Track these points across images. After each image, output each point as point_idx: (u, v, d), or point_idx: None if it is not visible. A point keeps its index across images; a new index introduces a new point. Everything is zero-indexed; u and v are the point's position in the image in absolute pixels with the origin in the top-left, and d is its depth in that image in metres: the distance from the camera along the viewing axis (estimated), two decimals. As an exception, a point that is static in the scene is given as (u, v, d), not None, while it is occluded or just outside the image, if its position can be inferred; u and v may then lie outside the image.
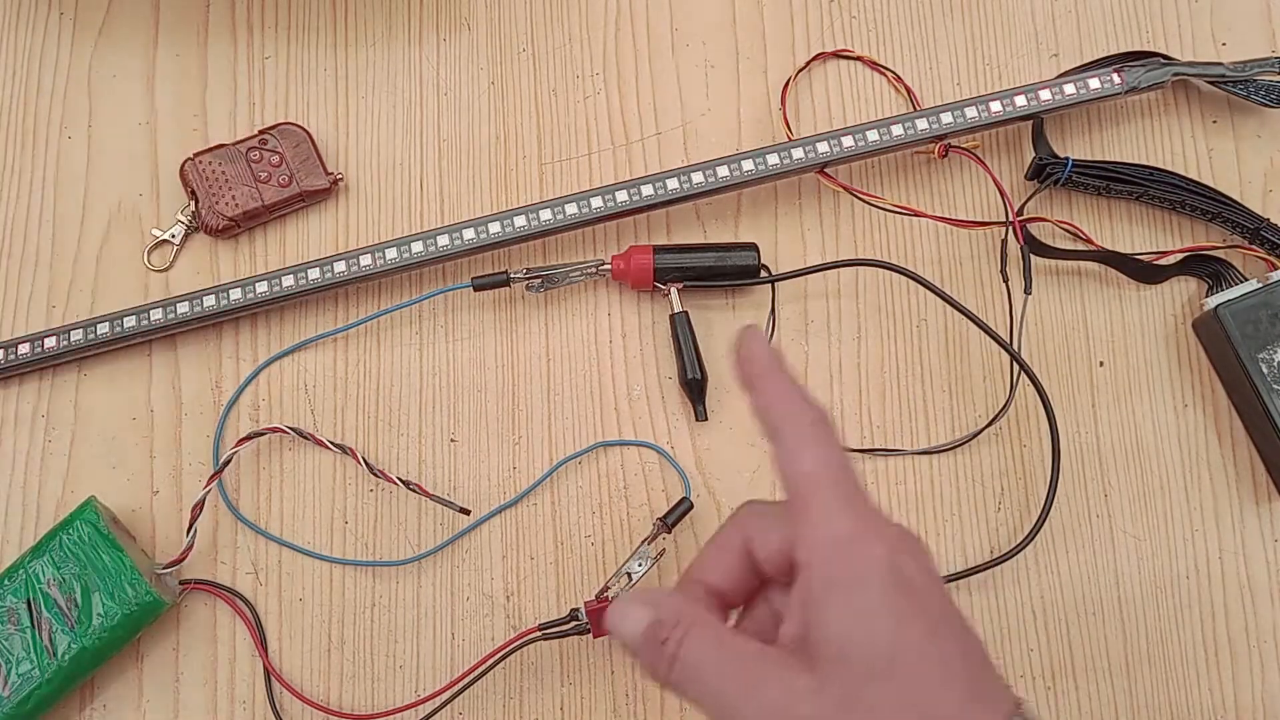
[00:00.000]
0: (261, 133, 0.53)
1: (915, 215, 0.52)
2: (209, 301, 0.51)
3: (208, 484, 0.48)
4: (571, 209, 0.51)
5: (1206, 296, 0.51)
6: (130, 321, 0.50)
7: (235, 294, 0.51)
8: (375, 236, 0.53)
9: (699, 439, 0.51)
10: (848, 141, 0.51)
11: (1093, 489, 0.50)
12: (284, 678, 0.48)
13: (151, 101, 0.55)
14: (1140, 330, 0.52)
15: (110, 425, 0.51)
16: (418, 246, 0.51)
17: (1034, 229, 0.52)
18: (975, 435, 0.51)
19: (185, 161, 0.53)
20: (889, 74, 0.55)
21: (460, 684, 0.47)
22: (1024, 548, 0.49)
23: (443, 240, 0.51)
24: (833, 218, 0.53)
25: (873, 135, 0.51)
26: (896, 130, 0.51)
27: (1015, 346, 0.50)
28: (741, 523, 0.35)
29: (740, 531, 0.34)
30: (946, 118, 0.51)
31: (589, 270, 0.51)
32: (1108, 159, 0.53)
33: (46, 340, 0.50)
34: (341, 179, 0.53)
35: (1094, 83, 0.52)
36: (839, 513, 0.31)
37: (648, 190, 0.51)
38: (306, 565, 0.50)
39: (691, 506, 0.49)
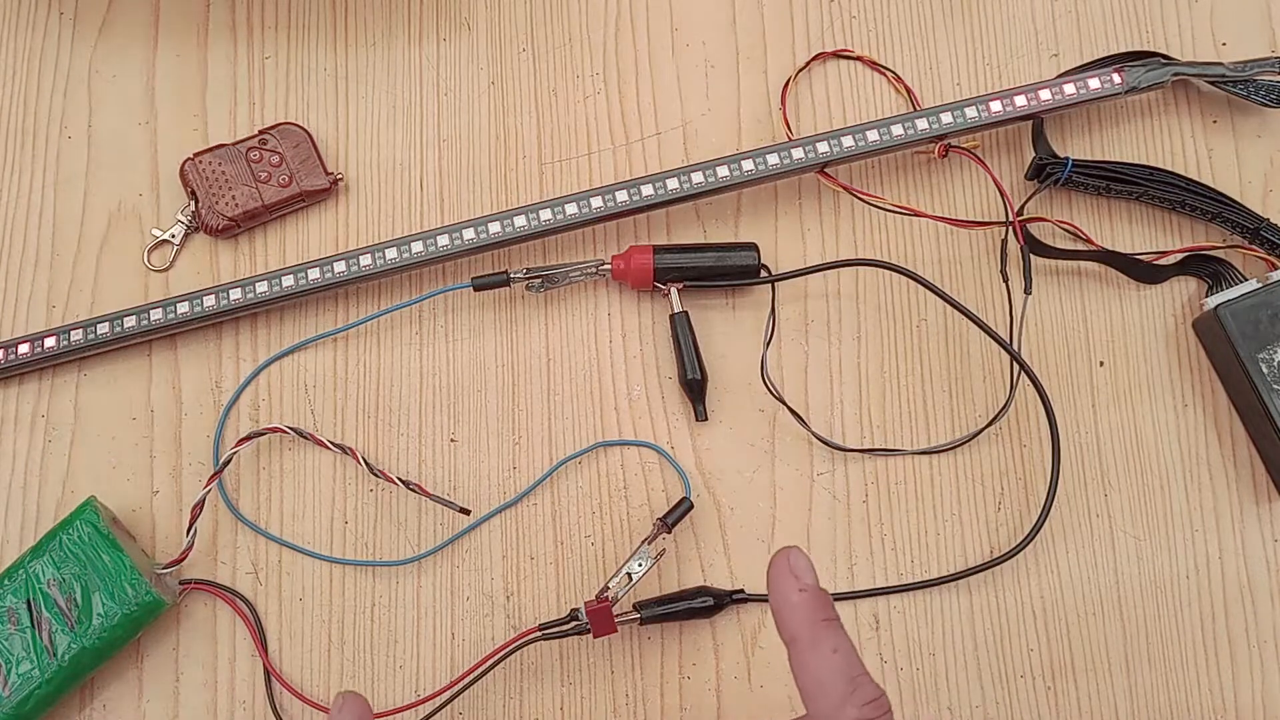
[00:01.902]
0: (261, 133, 0.53)
1: (915, 215, 0.52)
2: (209, 301, 0.51)
3: (208, 484, 0.48)
4: (571, 209, 0.51)
5: (1206, 296, 0.51)
6: (130, 321, 0.50)
7: (235, 294, 0.51)
8: (375, 236, 0.53)
9: (699, 439, 0.51)
10: (848, 141, 0.51)
11: (1093, 489, 0.50)
12: (284, 678, 0.48)
13: (151, 101, 0.55)
14: (1140, 330, 0.52)
15: (110, 425, 0.51)
16: (418, 246, 0.51)
17: (1034, 229, 0.52)
18: (975, 435, 0.51)
19: (185, 161, 0.53)
20: (889, 74, 0.55)
21: (460, 684, 0.47)
22: (1024, 548, 0.49)
23: (443, 240, 0.51)
24: (833, 218, 0.53)
25: (873, 135, 0.51)
26: (896, 130, 0.51)
27: (1015, 346, 0.50)
28: None
29: None
30: (946, 118, 0.51)
31: (589, 270, 0.51)
32: (1108, 159, 0.53)
33: (46, 340, 0.50)
34: (341, 179, 0.53)
35: (1094, 83, 0.52)
36: None
37: (648, 190, 0.51)
38: (306, 565, 0.50)
39: (691, 506, 0.49)
